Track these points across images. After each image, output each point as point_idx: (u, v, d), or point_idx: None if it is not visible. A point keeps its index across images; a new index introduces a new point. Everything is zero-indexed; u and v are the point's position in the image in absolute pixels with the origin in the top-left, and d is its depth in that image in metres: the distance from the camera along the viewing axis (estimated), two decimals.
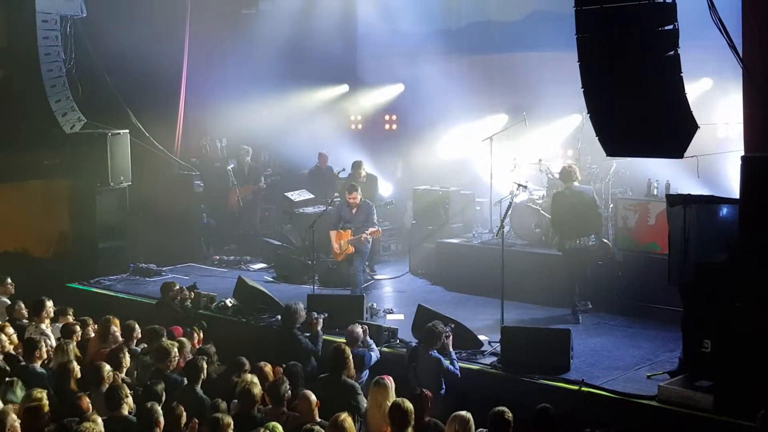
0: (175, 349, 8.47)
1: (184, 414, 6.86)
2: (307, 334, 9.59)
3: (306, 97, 16.28)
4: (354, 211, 12.13)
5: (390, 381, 7.54)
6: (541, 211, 12.11)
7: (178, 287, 11.14)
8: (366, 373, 8.88)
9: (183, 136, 15.19)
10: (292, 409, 7.33)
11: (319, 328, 9.64)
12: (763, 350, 7.56)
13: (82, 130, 14.18)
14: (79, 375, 8.01)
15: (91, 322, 9.78)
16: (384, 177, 15.29)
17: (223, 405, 7.07)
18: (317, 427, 6.49)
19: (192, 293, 11.38)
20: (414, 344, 9.17)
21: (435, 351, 8.66)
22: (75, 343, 8.99)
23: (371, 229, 11.92)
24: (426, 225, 13.67)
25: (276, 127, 15.91)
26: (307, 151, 15.55)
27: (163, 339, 8.86)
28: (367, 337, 9.31)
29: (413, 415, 6.76)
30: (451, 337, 8.94)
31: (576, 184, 11.00)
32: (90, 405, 7.20)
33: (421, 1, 16.20)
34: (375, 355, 9.18)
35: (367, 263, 13.20)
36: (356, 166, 13.92)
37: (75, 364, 8.17)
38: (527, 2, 15.07)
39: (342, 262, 12.22)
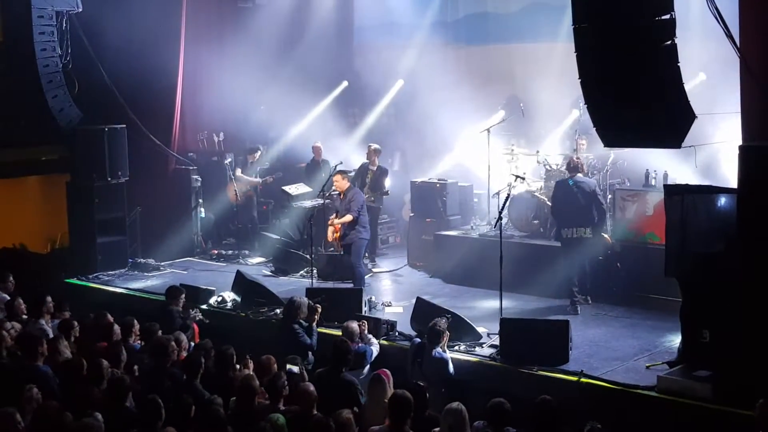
0: (173, 344, 8.45)
1: (193, 407, 6.84)
2: (305, 324, 9.53)
3: (304, 91, 16.22)
4: (341, 197, 12.08)
5: (387, 376, 7.52)
6: (547, 201, 12.00)
7: (183, 297, 10.47)
8: (367, 368, 8.89)
9: (180, 131, 15.15)
10: (291, 402, 7.32)
11: (314, 323, 9.58)
12: (761, 339, 7.57)
13: (79, 126, 14.15)
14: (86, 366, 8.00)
15: (91, 317, 9.76)
16: None
17: (219, 400, 7.05)
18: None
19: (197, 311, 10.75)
20: (417, 340, 9.15)
21: (440, 350, 8.70)
22: (73, 339, 8.98)
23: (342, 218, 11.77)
24: (424, 217, 13.66)
25: (273, 121, 15.88)
26: (305, 145, 15.51)
27: (159, 333, 8.84)
28: (366, 332, 9.30)
29: (412, 406, 6.75)
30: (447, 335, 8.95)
31: (580, 176, 10.97)
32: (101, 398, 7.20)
33: None
34: (375, 349, 9.19)
35: (367, 254, 13.19)
36: (374, 152, 13.71)
37: (81, 358, 8.15)
38: None
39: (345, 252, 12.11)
